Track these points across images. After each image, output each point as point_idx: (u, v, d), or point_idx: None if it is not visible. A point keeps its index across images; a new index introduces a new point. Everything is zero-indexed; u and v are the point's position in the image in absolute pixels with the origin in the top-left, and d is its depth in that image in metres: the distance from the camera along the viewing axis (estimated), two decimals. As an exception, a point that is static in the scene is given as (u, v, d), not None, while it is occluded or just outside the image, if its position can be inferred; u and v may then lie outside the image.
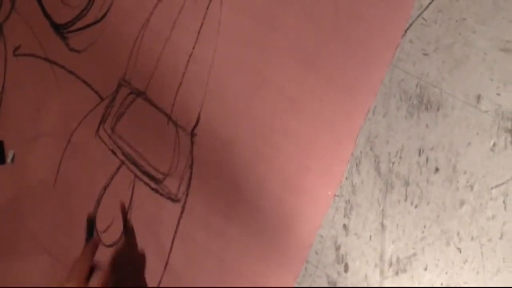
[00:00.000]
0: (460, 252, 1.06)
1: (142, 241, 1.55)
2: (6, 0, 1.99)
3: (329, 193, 1.21)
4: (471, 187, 1.05)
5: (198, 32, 1.45)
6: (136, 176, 1.56)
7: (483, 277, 1.05)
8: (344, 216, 1.19)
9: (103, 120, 1.67)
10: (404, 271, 1.12)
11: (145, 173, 1.54)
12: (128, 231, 1.55)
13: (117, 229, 1.61)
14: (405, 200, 1.12)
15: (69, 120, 1.77)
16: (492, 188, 1.03)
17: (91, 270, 1.35)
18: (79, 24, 1.76)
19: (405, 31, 1.12)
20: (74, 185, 1.76)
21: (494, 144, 1.03)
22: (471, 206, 1.05)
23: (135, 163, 1.57)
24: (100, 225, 1.62)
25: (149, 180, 1.53)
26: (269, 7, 1.31)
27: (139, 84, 1.58)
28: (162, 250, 1.49)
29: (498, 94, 1.02)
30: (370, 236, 1.16)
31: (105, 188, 1.64)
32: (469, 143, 1.05)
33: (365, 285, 1.17)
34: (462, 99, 1.06)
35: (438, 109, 1.08)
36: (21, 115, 1.95)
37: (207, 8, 1.43)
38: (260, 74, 1.33)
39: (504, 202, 1.03)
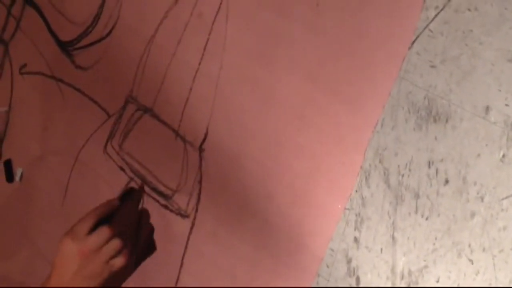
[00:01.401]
0: (472, 263, 1.06)
1: (152, 258, 1.55)
2: (11, 18, 2.00)
3: (339, 206, 1.21)
4: (482, 199, 1.05)
5: (204, 48, 1.45)
6: (145, 192, 1.57)
7: (496, 288, 1.05)
8: (355, 229, 1.19)
9: (110, 137, 1.67)
10: (416, 283, 1.12)
11: (154, 189, 1.54)
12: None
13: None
14: (416, 212, 1.12)
15: (77, 137, 1.77)
16: (502, 199, 1.03)
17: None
18: (84, 42, 1.77)
19: (412, 43, 1.12)
20: (83, 203, 1.76)
21: (503, 155, 1.03)
22: (482, 217, 1.05)
23: (144, 180, 1.57)
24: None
25: (158, 196, 1.53)
26: (274, 22, 1.32)
27: (146, 101, 1.58)
28: (173, 266, 1.49)
29: (506, 105, 1.02)
30: (381, 249, 1.16)
31: (114, 205, 1.64)
32: (478, 155, 1.05)
33: (377, 298, 1.17)
34: (470, 111, 1.06)
35: (446, 121, 1.08)
36: (29, 134, 1.96)
37: (213, 23, 1.43)
38: (266, 89, 1.33)
39: (515, 212, 1.03)
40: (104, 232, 1.24)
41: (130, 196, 1.33)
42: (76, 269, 1.22)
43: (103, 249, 1.24)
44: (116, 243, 1.25)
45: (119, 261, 1.26)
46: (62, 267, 1.23)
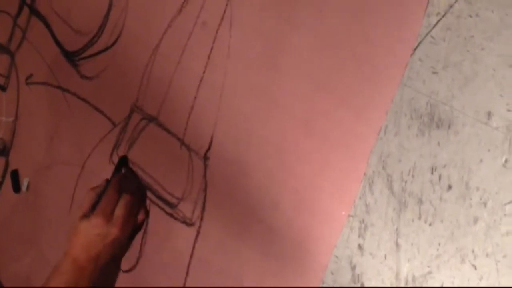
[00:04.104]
0: (476, 269, 1.06)
1: (158, 267, 1.55)
2: (17, 29, 2.01)
3: (343, 213, 1.21)
4: (485, 204, 1.05)
5: (208, 56, 1.46)
6: (150, 201, 1.57)
7: (500, 294, 1.05)
8: (359, 236, 1.19)
9: (116, 146, 1.68)
10: (421, 289, 1.12)
11: (160, 198, 1.55)
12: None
13: (135, 253, 1.61)
14: (419, 218, 1.12)
15: (83, 147, 1.78)
16: (505, 204, 1.03)
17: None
18: (90, 51, 1.78)
19: (414, 50, 1.13)
20: (89, 212, 1.77)
21: (506, 160, 1.03)
22: (485, 222, 1.05)
23: (149, 189, 1.58)
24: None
25: (164, 205, 1.54)
26: (278, 29, 1.32)
27: (151, 110, 1.59)
28: (178, 275, 1.49)
29: (508, 110, 1.02)
30: (385, 255, 1.16)
31: (120, 214, 1.64)
32: (481, 160, 1.05)
33: (382, 304, 1.17)
34: (472, 116, 1.06)
35: (449, 127, 1.09)
36: (35, 144, 1.97)
37: (216, 32, 1.44)
38: (271, 96, 1.34)
39: (518, 218, 1.03)
40: (127, 200, 1.33)
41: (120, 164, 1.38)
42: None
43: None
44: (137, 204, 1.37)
45: (141, 217, 1.34)
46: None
